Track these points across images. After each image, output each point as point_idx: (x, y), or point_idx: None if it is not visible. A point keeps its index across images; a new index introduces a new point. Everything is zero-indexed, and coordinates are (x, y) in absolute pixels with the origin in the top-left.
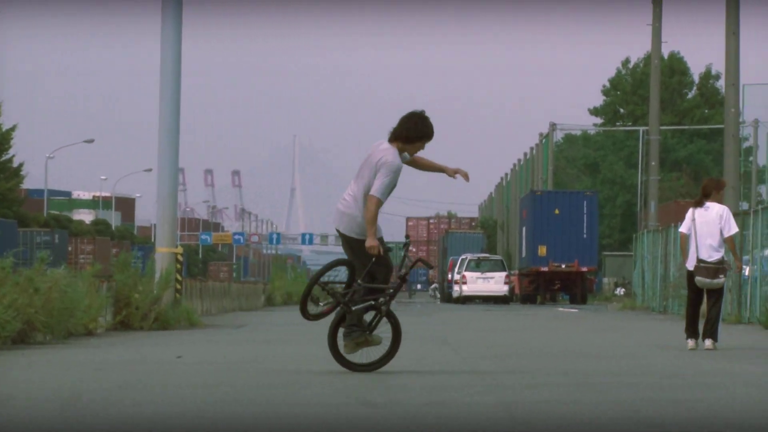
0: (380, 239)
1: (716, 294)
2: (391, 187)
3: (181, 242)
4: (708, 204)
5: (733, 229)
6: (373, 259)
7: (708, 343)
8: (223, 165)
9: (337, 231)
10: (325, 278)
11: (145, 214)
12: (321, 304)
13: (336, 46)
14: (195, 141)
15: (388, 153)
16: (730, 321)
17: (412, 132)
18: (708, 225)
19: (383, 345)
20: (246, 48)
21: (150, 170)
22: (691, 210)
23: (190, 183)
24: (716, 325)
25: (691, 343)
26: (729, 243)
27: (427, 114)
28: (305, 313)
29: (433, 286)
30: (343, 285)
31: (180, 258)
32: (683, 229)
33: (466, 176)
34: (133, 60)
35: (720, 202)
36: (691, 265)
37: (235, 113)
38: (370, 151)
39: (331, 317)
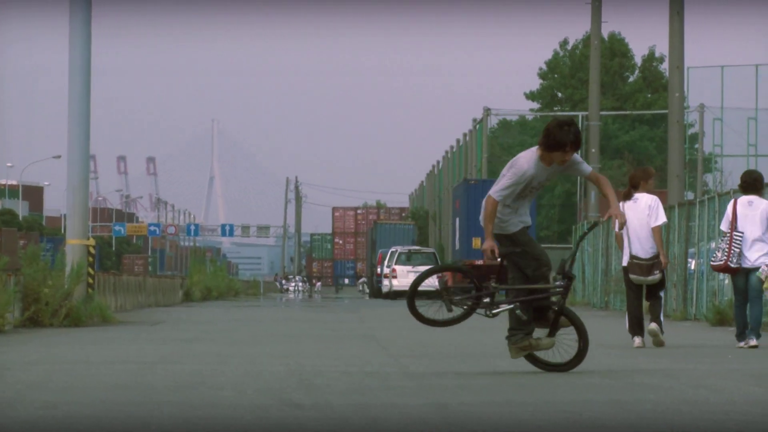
0: (512, 236)
1: (656, 288)
2: (511, 189)
3: (93, 234)
4: (637, 195)
5: (660, 219)
6: (517, 250)
7: (653, 326)
8: (137, 151)
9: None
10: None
11: (54, 204)
12: (452, 309)
13: (259, 33)
14: (106, 126)
15: (522, 156)
16: (675, 318)
17: (549, 139)
18: (639, 218)
19: (566, 347)
20: (161, 29)
21: (59, 157)
22: (620, 203)
23: (102, 171)
24: (658, 318)
25: (637, 341)
26: (655, 234)
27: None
28: (418, 315)
29: (361, 280)
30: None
31: (92, 250)
32: (613, 225)
33: (615, 224)
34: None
35: (650, 192)
36: (624, 261)
37: (149, 96)
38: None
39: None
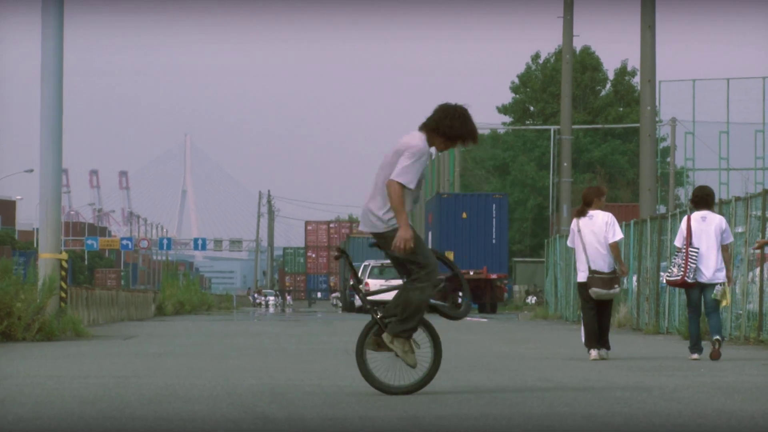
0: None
1: (608, 304)
2: (415, 171)
3: (65, 248)
4: (591, 213)
5: (617, 235)
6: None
7: (603, 353)
8: (110, 165)
9: (370, 236)
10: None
11: (26, 218)
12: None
13: (229, 44)
14: (79, 140)
15: (414, 137)
16: (648, 331)
17: (454, 130)
18: (596, 234)
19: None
20: (133, 43)
21: (32, 171)
22: (575, 221)
23: (75, 185)
24: (607, 335)
25: (593, 353)
26: (613, 249)
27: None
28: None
29: (334, 294)
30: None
31: (65, 264)
32: (569, 242)
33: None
34: (13, 53)
35: (602, 208)
36: (582, 276)
37: (122, 110)
38: (395, 145)
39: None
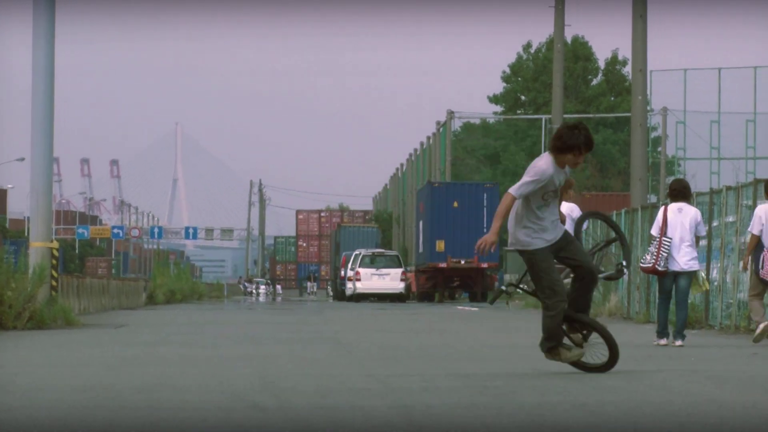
0: (531, 254)
1: None
2: (531, 186)
3: (56, 236)
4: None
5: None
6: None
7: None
8: (101, 154)
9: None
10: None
11: (17, 206)
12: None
13: (222, 36)
14: (70, 129)
15: (539, 159)
16: (639, 321)
17: (560, 142)
18: (567, 226)
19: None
20: (124, 31)
21: (23, 159)
22: None
23: (66, 173)
24: None
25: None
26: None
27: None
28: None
29: (310, 284)
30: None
31: (55, 253)
32: None
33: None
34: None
35: (569, 201)
36: None
37: (113, 99)
38: None
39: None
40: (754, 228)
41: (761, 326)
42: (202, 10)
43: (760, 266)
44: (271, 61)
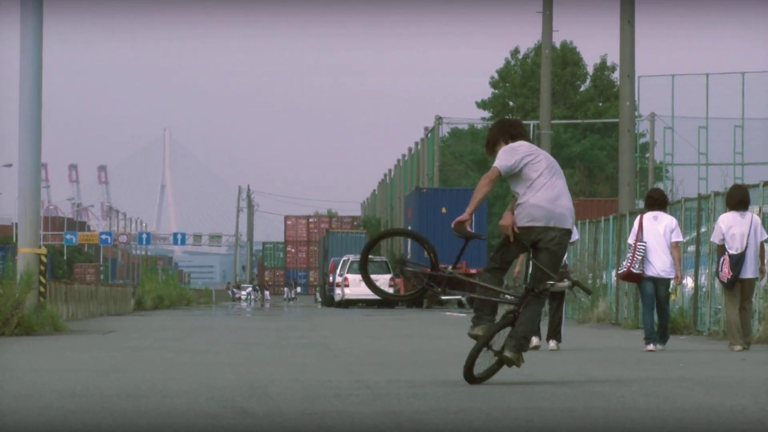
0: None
1: (559, 297)
2: (514, 160)
3: (44, 242)
4: None
5: None
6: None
7: (552, 344)
8: (89, 160)
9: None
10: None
11: (5, 212)
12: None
13: (210, 40)
14: (58, 134)
15: (518, 144)
16: (627, 326)
17: (513, 129)
18: None
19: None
20: (112, 36)
21: (10, 165)
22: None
23: (54, 179)
24: (560, 327)
25: (535, 340)
26: None
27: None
28: (370, 283)
29: (287, 290)
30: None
31: (44, 259)
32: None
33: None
34: None
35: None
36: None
37: (101, 105)
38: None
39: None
40: (716, 237)
41: (735, 349)
42: (192, 17)
43: (719, 269)
44: (260, 68)
